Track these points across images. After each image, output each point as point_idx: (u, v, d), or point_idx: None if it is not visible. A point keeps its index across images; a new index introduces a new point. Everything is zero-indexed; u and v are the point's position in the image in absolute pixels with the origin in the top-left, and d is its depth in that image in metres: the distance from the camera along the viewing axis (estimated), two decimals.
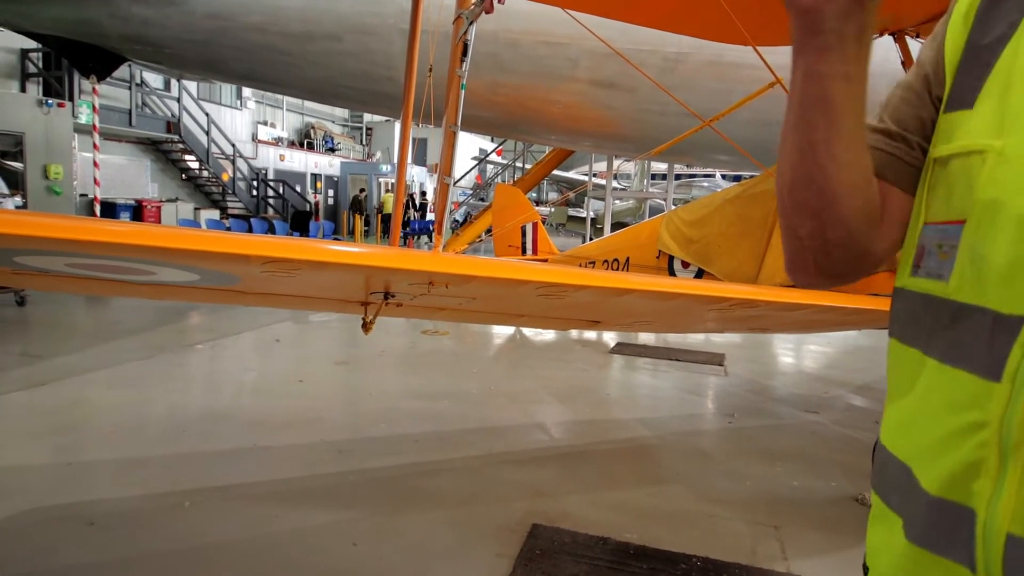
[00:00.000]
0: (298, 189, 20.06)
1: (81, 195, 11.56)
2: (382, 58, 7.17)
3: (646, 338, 6.85)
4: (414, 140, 23.72)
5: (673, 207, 9.99)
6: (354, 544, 2.57)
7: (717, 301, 2.53)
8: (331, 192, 22.33)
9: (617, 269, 5.34)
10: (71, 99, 11.61)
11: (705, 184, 20.39)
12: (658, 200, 13.35)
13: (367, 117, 26.45)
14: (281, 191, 19.05)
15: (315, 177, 21.72)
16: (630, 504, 3.05)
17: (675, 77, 6.66)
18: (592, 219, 13.88)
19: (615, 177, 11.62)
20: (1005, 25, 0.59)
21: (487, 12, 2.77)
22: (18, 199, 9.36)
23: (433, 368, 5.42)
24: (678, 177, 17.01)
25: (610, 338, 6.78)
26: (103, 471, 3.20)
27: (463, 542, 2.64)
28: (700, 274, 4.26)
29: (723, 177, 21.05)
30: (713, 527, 2.85)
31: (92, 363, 5.16)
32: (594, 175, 13.29)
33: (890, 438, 0.65)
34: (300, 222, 17.57)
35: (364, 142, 27.26)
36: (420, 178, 22.02)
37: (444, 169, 3.24)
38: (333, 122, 25.97)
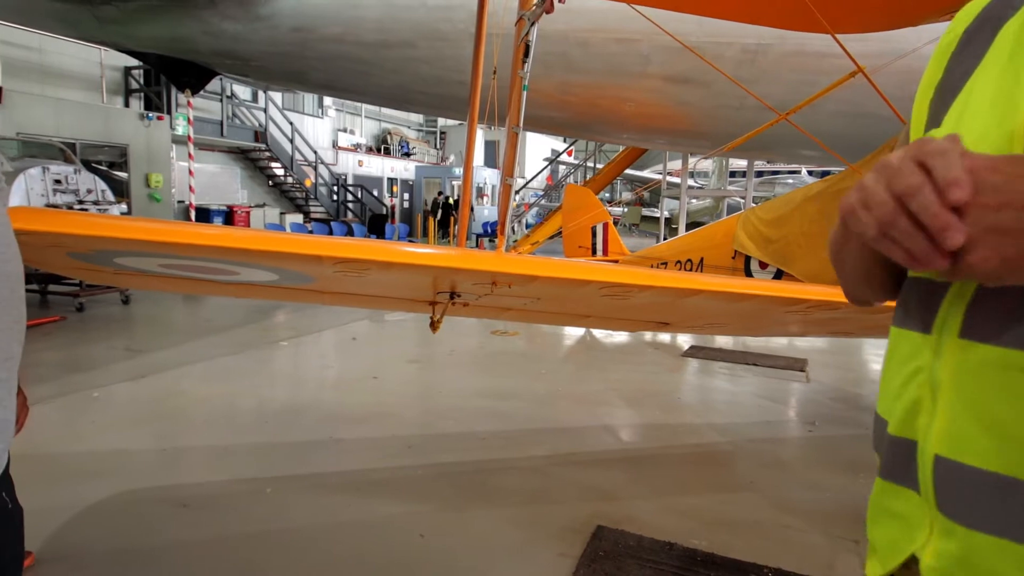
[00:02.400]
0: (375, 193, 20.74)
1: (179, 202, 12.40)
2: (453, 63, 7.30)
3: (722, 341, 6.63)
4: (486, 143, 24.00)
5: (754, 206, 9.64)
6: (421, 536, 2.63)
7: (793, 303, 2.42)
8: (406, 195, 22.92)
9: (690, 270, 5.20)
10: (169, 112, 12.49)
11: (789, 181, 19.51)
12: (737, 199, 12.90)
13: (441, 121, 26.98)
14: (359, 195, 19.74)
15: (391, 181, 22.37)
16: (699, 510, 2.96)
17: (755, 70, 6.41)
18: (667, 219, 13.60)
19: (691, 175, 11.32)
20: (973, 58, 0.68)
21: (547, 12, 2.77)
22: (123, 206, 10.16)
23: (502, 368, 5.46)
24: (759, 174, 16.37)
25: (684, 340, 6.61)
26: (195, 457, 3.43)
27: (527, 540, 2.64)
28: (779, 275, 4.09)
29: (809, 173, 20.10)
30: (787, 538, 2.72)
31: (187, 357, 5.53)
32: (668, 173, 13.00)
33: (878, 403, 0.76)
34: (376, 225, 18.16)
35: (438, 146, 27.83)
36: (492, 180, 22.25)
37: (506, 170, 3.26)
38: (409, 127, 26.67)
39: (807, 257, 3.96)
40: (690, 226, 10.32)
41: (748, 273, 4.45)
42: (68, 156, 7.86)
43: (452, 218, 18.28)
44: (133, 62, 11.67)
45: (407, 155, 24.40)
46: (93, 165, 10.65)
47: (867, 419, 4.46)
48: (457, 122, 23.27)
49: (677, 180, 11.91)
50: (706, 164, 15.45)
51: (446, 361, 5.63)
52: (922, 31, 4.28)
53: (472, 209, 19.68)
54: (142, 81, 13.22)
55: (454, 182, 21.46)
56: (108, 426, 3.86)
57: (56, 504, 2.79)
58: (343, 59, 7.85)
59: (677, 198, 10.37)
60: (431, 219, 16.81)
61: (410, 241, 18.97)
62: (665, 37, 5.73)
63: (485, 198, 21.25)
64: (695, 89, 6.98)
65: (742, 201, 10.88)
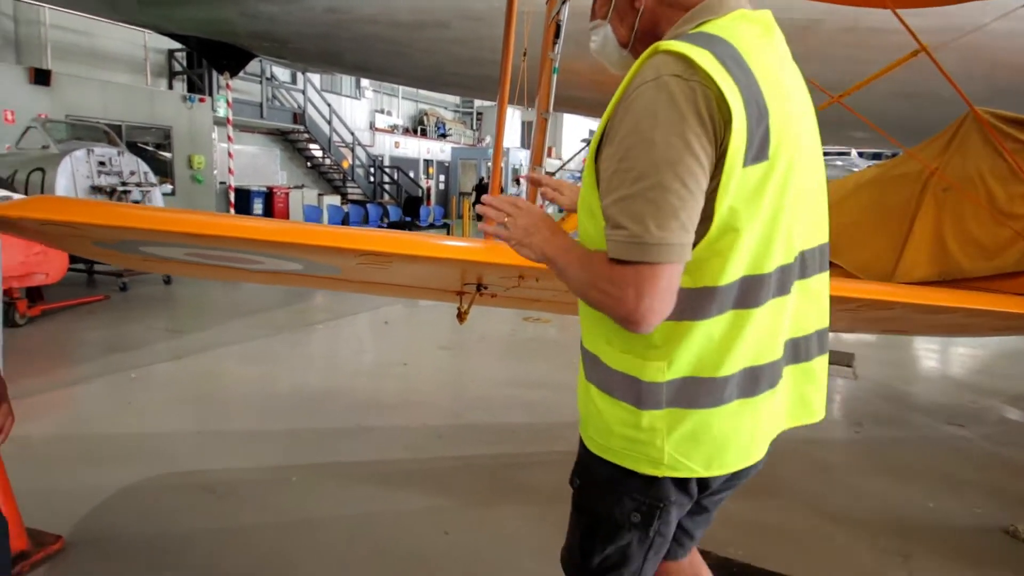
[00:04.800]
0: (411, 175, 20.75)
1: (221, 183, 12.59)
2: (488, 43, 7.14)
3: None
4: (522, 123, 23.71)
5: None
6: (446, 532, 2.58)
7: (842, 301, 2.25)
8: (442, 177, 22.88)
9: None
10: (211, 94, 12.65)
11: (839, 163, 18.71)
12: None
13: (477, 102, 26.77)
14: (395, 177, 19.79)
15: (427, 163, 22.35)
16: (734, 516, 2.82)
17: (803, 47, 6.05)
18: None
19: None
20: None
21: None
22: (166, 187, 10.37)
23: (533, 356, 5.37)
24: None
25: None
26: (226, 442, 3.45)
27: (554, 539, 2.55)
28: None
29: (860, 155, 19.27)
30: (830, 549, 2.58)
31: (224, 339, 5.60)
32: None
33: None
34: (412, 207, 18.18)
35: (475, 127, 27.66)
36: (528, 161, 22.02)
37: (535, 157, 3.12)
38: (446, 108, 26.56)
39: (857, 248, 3.74)
40: None
41: None
42: (112, 138, 8.01)
43: None
44: (176, 45, 11.83)
45: (443, 136, 24.32)
46: (139, 146, 10.89)
47: (919, 420, 4.24)
48: (494, 103, 23.05)
49: None
50: None
51: (477, 348, 5.57)
52: (986, 6, 3.95)
53: (504, 191, 19.54)
54: (185, 64, 13.41)
55: (490, 163, 21.31)
56: (144, 407, 3.92)
57: (89, 486, 2.83)
58: (377, 40, 7.77)
59: None
60: (466, 201, 16.74)
61: (445, 223, 18.96)
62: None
63: (522, 180, 21.03)
64: None
65: None
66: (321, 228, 1.93)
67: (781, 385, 1.10)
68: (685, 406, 1.01)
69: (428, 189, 21.22)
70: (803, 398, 1.17)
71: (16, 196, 5.23)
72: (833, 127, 7.66)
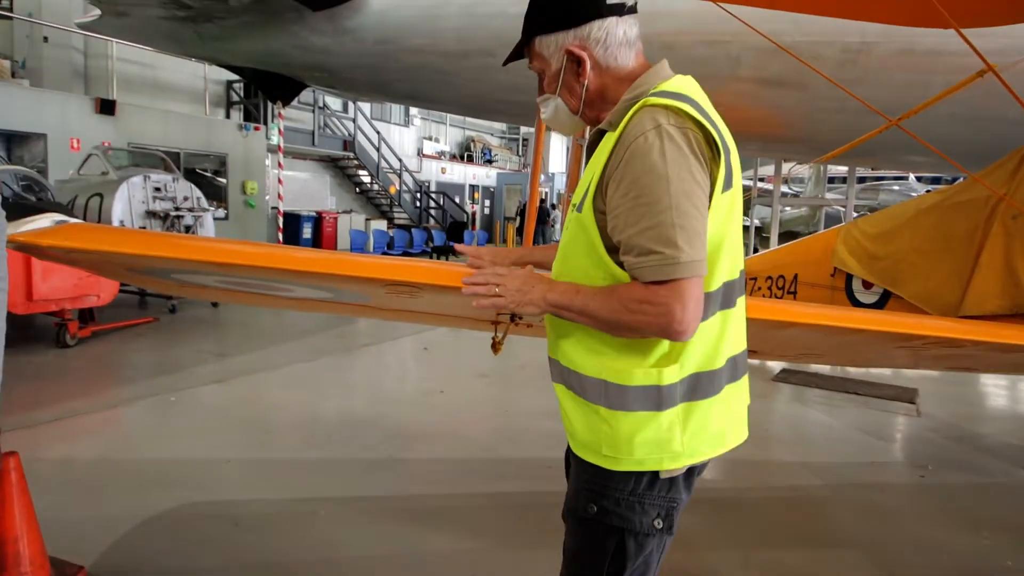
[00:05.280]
0: (457, 200, 20.96)
1: (272, 207, 12.96)
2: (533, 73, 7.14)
3: (819, 365, 6.08)
4: (566, 148, 23.74)
5: (856, 215, 8.84)
6: None
7: (908, 338, 2.06)
8: (487, 202, 23.04)
9: (783, 287, 4.75)
10: (265, 123, 13.10)
11: (895, 188, 17.99)
12: (837, 207, 12.00)
13: (523, 129, 27.01)
14: (441, 202, 20.01)
15: (473, 188, 22.55)
16: (789, 567, 2.61)
17: (857, 70, 5.85)
18: (758, 228, 12.84)
19: (785, 182, 10.61)
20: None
21: None
22: (220, 211, 10.71)
23: None
24: (861, 180, 15.23)
25: (775, 362, 6.11)
26: (258, 470, 3.41)
27: None
28: (886, 297, 3.62)
29: (918, 179, 18.49)
30: None
31: (268, 363, 5.65)
32: (760, 180, 12.27)
33: None
34: (456, 231, 18.31)
35: (520, 153, 27.87)
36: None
37: (570, 185, 3.03)
38: (492, 135, 26.87)
39: (920, 278, 3.49)
40: (783, 236, 9.65)
41: (850, 294, 3.98)
42: (168, 165, 8.32)
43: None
44: (234, 76, 12.31)
45: (489, 162, 24.56)
46: (197, 172, 11.32)
47: (991, 465, 3.90)
48: None
49: (769, 187, 11.21)
50: (801, 169, 14.53)
51: (517, 377, 5.45)
52: None
53: (549, 216, 19.50)
54: (242, 94, 13.95)
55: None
56: (180, 432, 3.94)
57: (117, 514, 2.81)
58: (424, 69, 7.87)
59: (769, 206, 9.73)
60: (510, 226, 16.76)
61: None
62: (757, 38, 5.29)
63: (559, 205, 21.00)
64: (790, 92, 6.47)
65: (842, 210, 10.07)
66: (349, 257, 1.87)
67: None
68: (694, 398, 1.17)
69: (473, 214, 21.39)
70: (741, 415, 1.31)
71: (72, 221, 5.43)
72: (890, 151, 7.33)
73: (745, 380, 1.29)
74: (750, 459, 3.81)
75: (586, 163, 1.29)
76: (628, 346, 1.15)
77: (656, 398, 1.14)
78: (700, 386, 1.17)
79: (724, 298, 1.19)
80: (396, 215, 18.29)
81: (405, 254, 14.75)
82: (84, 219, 6.57)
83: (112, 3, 7.54)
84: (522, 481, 3.37)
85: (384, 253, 13.79)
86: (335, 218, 15.06)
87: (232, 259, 1.71)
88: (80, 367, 5.36)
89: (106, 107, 9.77)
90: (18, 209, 5.89)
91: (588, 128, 1.35)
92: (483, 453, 3.71)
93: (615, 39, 1.22)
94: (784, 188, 10.78)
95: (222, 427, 4.05)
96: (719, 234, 1.14)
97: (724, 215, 1.15)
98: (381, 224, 16.60)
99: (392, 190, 18.07)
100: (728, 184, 1.14)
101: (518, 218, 18.57)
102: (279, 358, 5.85)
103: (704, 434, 1.18)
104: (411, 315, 3.16)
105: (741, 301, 1.26)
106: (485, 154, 24.81)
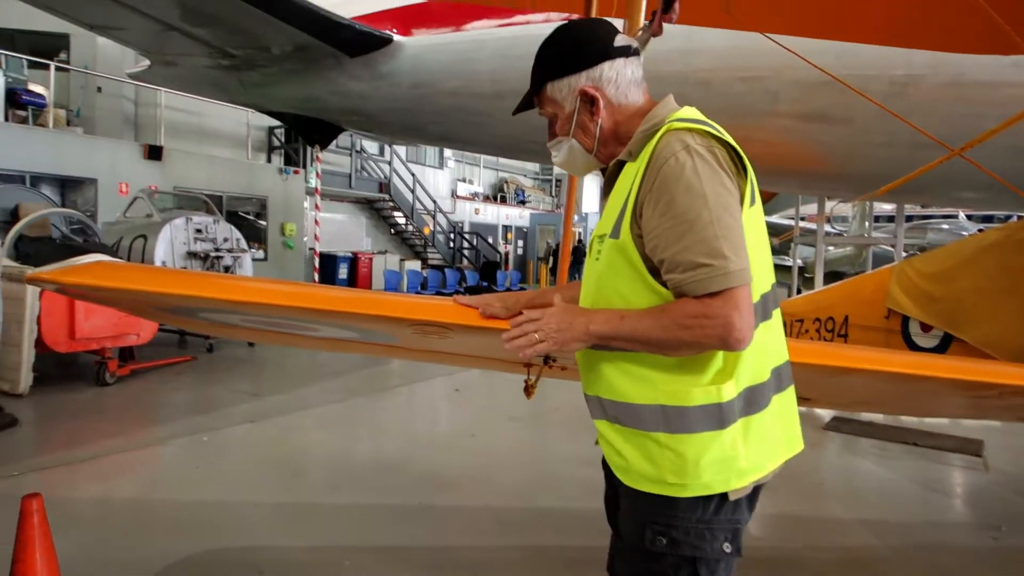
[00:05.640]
0: (490, 240, 21.07)
1: (310, 248, 13.19)
2: None
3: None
4: (600, 189, 23.82)
5: (904, 255, 8.50)
6: None
7: (986, 388, 1.86)
8: (520, 242, 23.11)
9: (832, 330, 4.52)
10: (304, 167, 13.45)
11: (945, 227, 17.39)
12: (884, 247, 11.60)
13: (556, 169, 27.24)
14: (474, 242, 20.14)
15: (506, 228, 22.67)
16: None
17: (904, 103, 5.67)
18: (800, 268, 12.47)
19: (828, 220, 10.33)
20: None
21: (655, 35, 2.44)
22: (259, 252, 10.92)
23: None
24: (908, 219, 14.77)
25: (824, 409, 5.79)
26: (284, 515, 3.31)
27: None
28: (947, 341, 3.38)
29: (968, 218, 17.85)
30: None
31: (301, 403, 5.60)
32: (802, 219, 11.98)
33: None
34: (489, 271, 18.34)
35: (553, 193, 28.04)
36: None
37: (567, 218, 2.91)
38: (525, 176, 27.14)
39: (985, 320, 3.26)
40: (828, 277, 9.33)
41: (907, 337, 3.74)
42: (210, 207, 8.53)
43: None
44: (275, 122, 12.73)
45: (522, 203, 24.73)
46: (239, 215, 11.61)
47: None
48: None
49: (812, 226, 10.92)
50: (845, 207, 14.16)
51: (550, 420, 5.27)
52: None
53: (584, 257, 19.41)
54: (283, 139, 14.39)
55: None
56: (211, 474, 3.88)
57: (146, 557, 2.74)
58: (459, 111, 7.97)
59: (812, 245, 9.43)
60: (543, 266, 16.71)
61: (522, 287, 18.95)
62: (797, 72, 5.20)
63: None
64: (834, 126, 6.31)
65: (891, 250, 9.70)
66: (372, 296, 1.79)
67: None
68: (750, 412, 1.17)
69: (506, 254, 21.45)
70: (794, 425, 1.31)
71: (115, 260, 5.54)
72: (944, 186, 7.07)
73: (791, 391, 1.29)
74: (802, 515, 3.54)
75: (604, 196, 1.34)
76: (680, 367, 1.16)
77: (718, 416, 1.14)
78: (754, 399, 1.18)
79: (763, 310, 1.21)
80: (430, 255, 18.44)
81: (438, 294, 14.78)
82: (128, 260, 6.73)
83: (161, 53, 7.88)
84: (557, 534, 3.18)
85: (417, 293, 13.84)
86: (370, 259, 15.23)
87: (247, 297, 1.64)
88: (118, 405, 5.39)
89: (154, 153, 10.15)
90: (66, 250, 6.08)
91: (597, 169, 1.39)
92: (518, 502, 3.54)
93: (624, 78, 1.28)
94: (828, 227, 10.49)
95: (252, 469, 3.98)
96: (751, 248, 1.16)
97: (752, 229, 1.18)
98: (415, 264, 16.73)
99: (426, 231, 18.27)
100: (752, 200, 1.19)
101: (551, 258, 18.53)
102: (312, 398, 5.80)
103: (764, 448, 1.19)
104: (441, 356, 3.06)
105: (777, 313, 1.29)
106: (518, 195, 25.02)
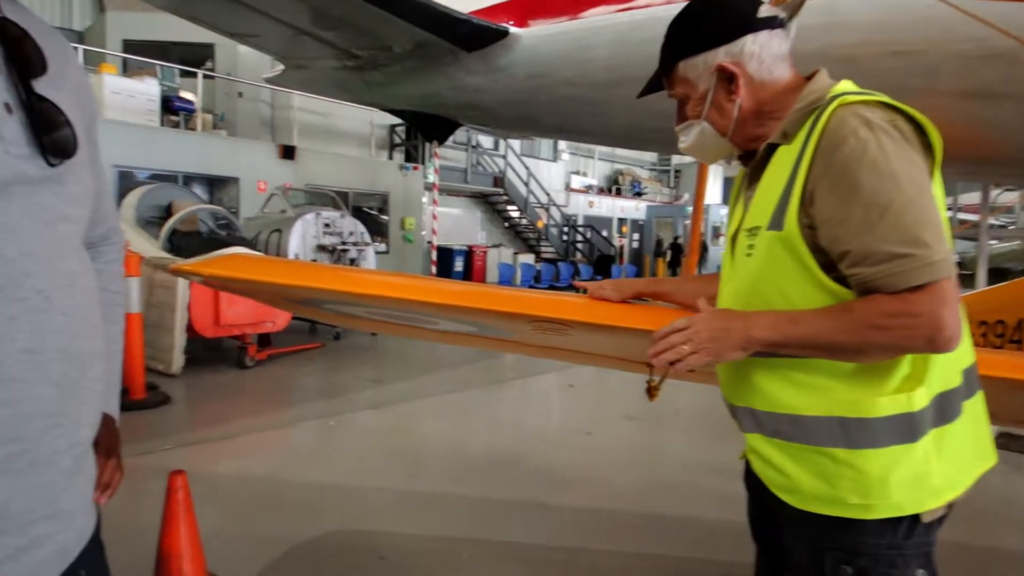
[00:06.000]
0: (604, 234, 20.73)
1: (428, 242, 13.65)
2: None
3: None
4: (724, 179, 22.67)
5: None
6: None
7: None
8: (636, 235, 22.56)
9: (1003, 335, 3.93)
10: (423, 163, 13.89)
11: None
12: None
13: (675, 159, 26.27)
14: (588, 236, 19.90)
15: (621, 221, 22.21)
16: None
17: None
18: (958, 263, 11.15)
19: (992, 211, 9.14)
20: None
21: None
22: (381, 245, 11.42)
23: (736, 437, 4.68)
24: None
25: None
26: (405, 502, 3.37)
27: None
28: None
29: None
30: None
31: (420, 391, 5.76)
32: (959, 209, 10.71)
33: None
34: (603, 265, 18.04)
35: (672, 184, 27.10)
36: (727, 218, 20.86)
37: (696, 211, 2.66)
38: (641, 167, 26.43)
39: None
40: (992, 274, 8.24)
41: None
42: (337, 203, 9.00)
43: (683, 259, 17.37)
44: (397, 120, 13.23)
45: (638, 195, 24.11)
46: (364, 210, 12.21)
47: None
48: (693, 159, 22.38)
49: (972, 217, 9.70)
50: (1010, 197, 12.47)
51: (671, 422, 5.02)
52: None
53: (707, 250, 18.56)
54: (404, 137, 14.96)
55: (687, 221, 20.54)
56: (337, 456, 4.05)
57: (269, 536, 2.87)
58: (575, 101, 7.83)
59: (974, 239, 8.36)
60: (660, 260, 16.17)
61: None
62: (959, 45, 4.59)
63: (721, 238, 19.96)
64: (1005, 104, 5.50)
65: None
66: (493, 291, 1.72)
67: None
68: (943, 423, 1.04)
69: (621, 248, 21.01)
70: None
71: (254, 253, 5.96)
72: None
73: (981, 396, 1.14)
74: (970, 543, 3.09)
75: (750, 183, 1.19)
76: (859, 373, 1.02)
77: (908, 427, 1.02)
78: (946, 408, 1.05)
79: None
80: (543, 249, 18.45)
81: (551, 288, 14.75)
82: (265, 252, 7.24)
83: (293, 58, 8.37)
84: (677, 544, 2.99)
85: (531, 287, 13.88)
86: (485, 252, 15.48)
87: (372, 290, 1.62)
88: (255, 387, 5.81)
89: (288, 152, 10.88)
90: (211, 243, 6.63)
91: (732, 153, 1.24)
92: (634, 506, 3.38)
93: (770, 52, 1.15)
94: (991, 219, 9.27)
95: (374, 454, 4.11)
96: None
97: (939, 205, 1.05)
98: (528, 258, 16.80)
99: (540, 224, 18.30)
100: (936, 174, 1.07)
101: (669, 252, 17.90)
102: (430, 387, 5.94)
103: (958, 462, 1.07)
104: (557, 352, 2.96)
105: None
106: (634, 187, 24.41)
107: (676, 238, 18.94)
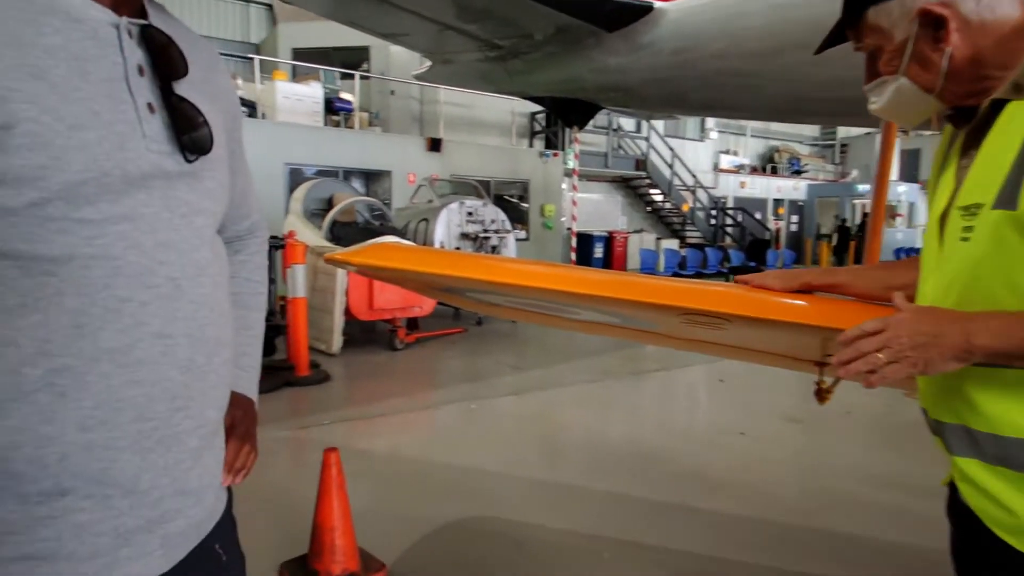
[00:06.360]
0: (758, 216, 19.39)
1: (568, 228, 13.61)
2: (860, 58, 6.05)
3: None
4: (901, 151, 20.21)
5: None
6: None
7: None
8: (795, 218, 20.87)
9: None
10: (563, 149, 13.82)
11: None
12: None
13: (841, 131, 23.85)
14: (739, 219, 18.72)
15: (777, 203, 20.65)
16: None
17: None
18: None
19: None
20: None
21: None
22: (522, 233, 11.55)
23: (919, 447, 4.09)
24: None
25: None
26: (545, 492, 3.34)
27: None
28: None
29: None
30: None
31: (558, 379, 5.73)
32: None
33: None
34: (757, 250, 16.87)
35: (837, 160, 24.67)
36: (910, 197, 18.54)
37: (879, 188, 2.25)
38: (801, 143, 24.33)
39: None
40: None
41: None
42: (479, 191, 9.21)
43: (851, 244, 15.73)
44: (537, 108, 13.27)
45: (797, 173, 22.24)
46: (505, 198, 12.42)
47: None
48: (863, 131, 20.21)
49: None
50: None
51: (838, 425, 4.53)
52: None
53: (851, 238, 16.66)
54: (544, 124, 14.98)
55: (855, 201, 18.61)
56: (478, 441, 4.12)
57: (414, 517, 2.96)
58: (725, 75, 7.32)
59: None
60: (824, 244, 14.79)
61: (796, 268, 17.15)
62: None
63: (899, 218, 17.83)
64: None
65: None
66: (635, 280, 1.58)
67: None
68: None
69: (777, 231, 19.54)
70: None
71: (404, 242, 6.25)
72: None
73: None
74: None
75: (964, 150, 0.98)
76: None
77: None
78: None
79: None
80: (689, 234, 17.66)
81: (698, 275, 14.06)
82: (413, 241, 7.58)
83: (439, 53, 8.63)
84: (850, 566, 2.66)
85: (675, 274, 13.33)
86: (626, 238, 15.12)
87: (513, 279, 1.56)
88: (405, 369, 6.11)
89: (435, 145, 11.33)
90: (366, 233, 7.05)
91: (940, 111, 1.02)
92: (794, 519, 3.06)
93: None
94: None
95: (515, 441, 4.13)
96: None
97: None
98: (673, 243, 16.16)
99: (685, 208, 17.51)
100: None
101: (835, 235, 16.32)
102: (569, 375, 5.88)
103: None
104: (707, 346, 2.73)
105: None
106: (792, 164, 22.54)
107: (843, 220, 17.21)
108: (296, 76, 11.96)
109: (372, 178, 11.23)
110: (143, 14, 0.81)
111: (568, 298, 1.77)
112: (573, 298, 1.76)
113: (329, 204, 7.79)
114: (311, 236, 6.81)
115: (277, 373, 5.04)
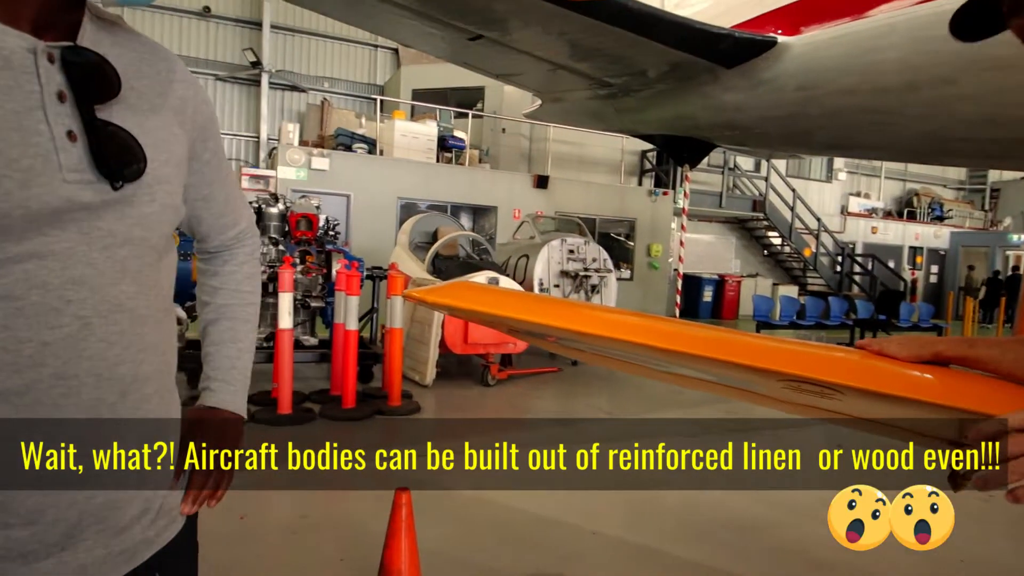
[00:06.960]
0: (891, 264, 17.78)
1: (675, 269, 13.14)
2: (1016, 95, 5.38)
3: None
4: None
5: None
6: None
7: None
8: (934, 268, 18.97)
9: None
10: (674, 188, 13.45)
11: None
12: None
13: (993, 175, 21.54)
14: (870, 267, 17.25)
15: (914, 251, 18.88)
16: None
17: None
18: None
19: None
20: None
21: None
22: (625, 272, 11.27)
23: None
24: None
25: None
26: (625, 554, 3.10)
27: None
28: None
29: None
30: None
31: (651, 431, 5.34)
32: None
33: None
34: (889, 302, 15.38)
35: (986, 207, 22.26)
36: None
37: None
38: (944, 186, 22.22)
39: None
40: None
41: None
42: (582, 229, 9.09)
43: (1003, 298, 13.96)
44: (648, 146, 13.07)
45: (939, 219, 20.28)
46: (611, 236, 12.23)
47: None
48: (1019, 175, 18.12)
49: None
50: None
51: (978, 510, 3.87)
52: None
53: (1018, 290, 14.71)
54: (654, 162, 14.70)
55: (1008, 252, 16.63)
56: (564, 492, 3.90)
57: (493, 569, 2.81)
58: (855, 112, 6.81)
59: None
60: (969, 300, 13.24)
61: (935, 325, 15.44)
62: None
63: None
64: None
65: None
66: (711, 334, 1.38)
67: None
68: None
69: (914, 282, 17.82)
70: None
71: (502, 280, 6.24)
72: None
73: None
74: None
75: None
76: None
77: None
78: None
79: None
80: (810, 280, 16.48)
81: (818, 325, 13.01)
82: (513, 277, 7.57)
83: (550, 92, 8.71)
84: None
85: (792, 323, 12.39)
86: (738, 282, 14.35)
87: (582, 327, 1.40)
88: (495, 406, 6.02)
89: (541, 182, 11.42)
90: (466, 267, 7.12)
91: None
92: None
93: None
94: None
95: (602, 496, 3.88)
96: None
97: None
98: (791, 290, 15.13)
99: (807, 253, 16.39)
100: None
101: (983, 289, 14.60)
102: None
103: None
104: (817, 411, 2.41)
105: None
106: (933, 209, 20.58)
107: (995, 272, 15.37)
108: (414, 115, 12.58)
109: (479, 213, 11.47)
110: (74, 34, 0.77)
111: (653, 353, 1.60)
112: (658, 353, 1.58)
113: (434, 237, 7.99)
114: (414, 267, 6.97)
115: (370, 401, 5.12)
